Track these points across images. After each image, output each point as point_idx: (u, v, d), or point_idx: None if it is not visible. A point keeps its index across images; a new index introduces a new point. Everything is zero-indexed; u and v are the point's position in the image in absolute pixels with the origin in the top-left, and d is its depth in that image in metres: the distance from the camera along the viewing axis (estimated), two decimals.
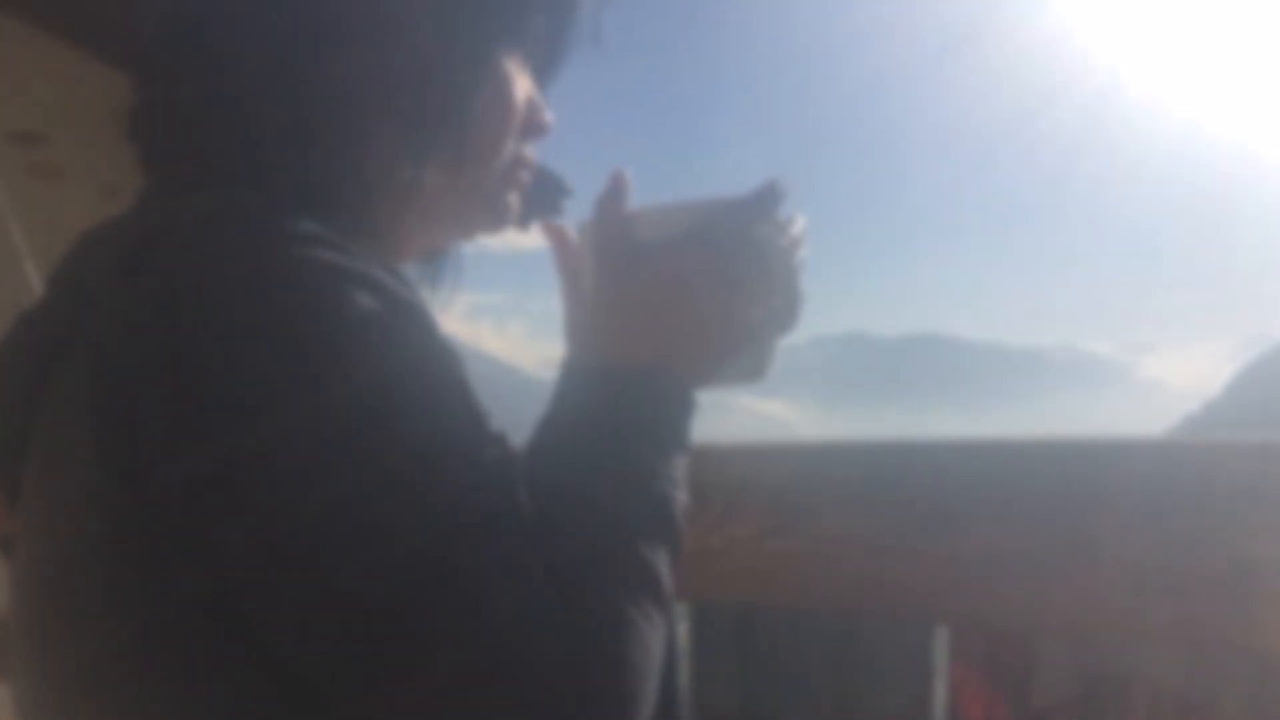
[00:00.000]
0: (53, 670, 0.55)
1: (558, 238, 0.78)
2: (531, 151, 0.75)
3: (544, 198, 0.78)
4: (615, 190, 0.71)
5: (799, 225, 0.72)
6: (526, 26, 0.71)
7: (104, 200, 1.35)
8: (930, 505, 0.91)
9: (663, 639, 0.56)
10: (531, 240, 0.80)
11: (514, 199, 0.75)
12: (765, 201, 0.70)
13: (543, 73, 0.76)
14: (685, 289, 0.67)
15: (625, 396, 0.63)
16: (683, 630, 1.04)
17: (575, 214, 0.79)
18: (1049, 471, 0.87)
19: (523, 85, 0.72)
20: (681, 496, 0.62)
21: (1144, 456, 0.84)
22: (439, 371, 0.54)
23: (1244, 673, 0.80)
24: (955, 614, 0.91)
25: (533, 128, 0.74)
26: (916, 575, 0.92)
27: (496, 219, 0.75)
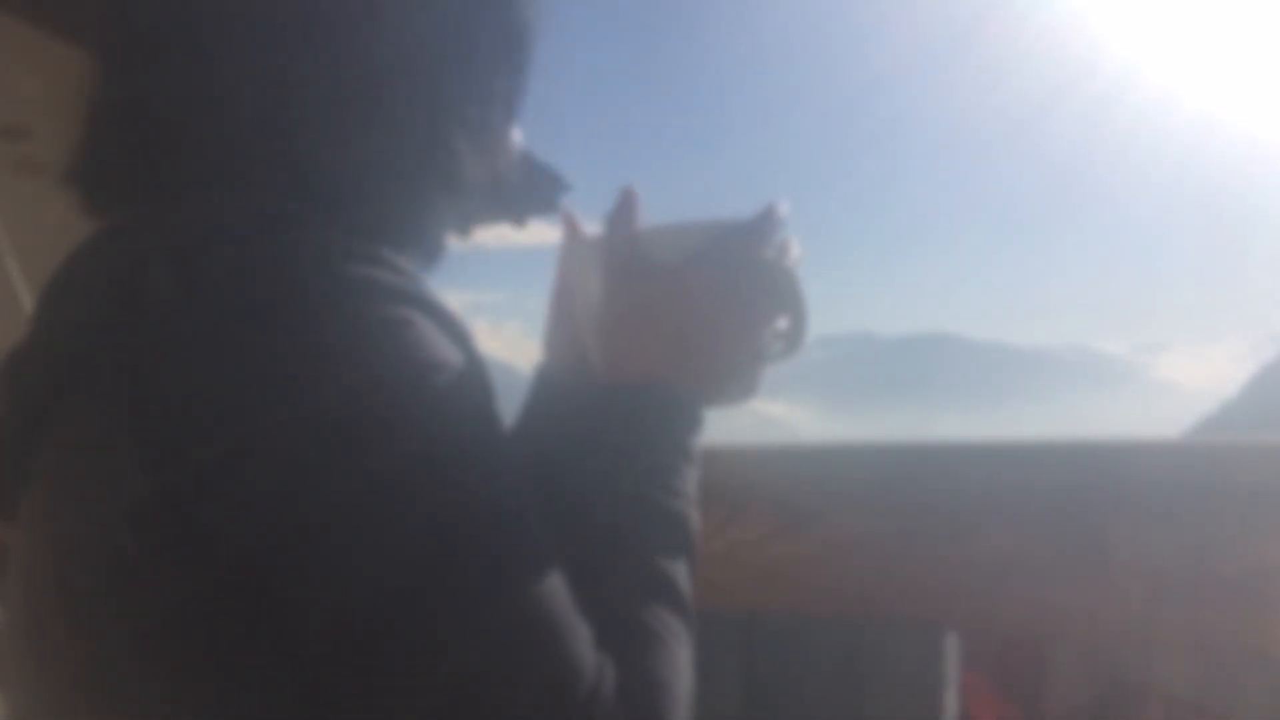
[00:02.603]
0: (55, 673, 0.55)
1: (571, 230, 0.78)
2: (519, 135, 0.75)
3: (542, 194, 0.79)
4: (625, 207, 0.72)
5: (796, 248, 0.74)
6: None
7: None
8: (939, 508, 0.92)
9: (690, 656, 0.57)
10: (528, 237, 0.81)
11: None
12: (767, 226, 0.72)
13: None
14: (699, 309, 0.69)
15: (638, 411, 0.65)
16: None
17: (574, 212, 0.79)
18: (1060, 474, 0.88)
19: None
20: (695, 514, 0.63)
21: (1157, 458, 0.85)
22: (473, 395, 0.55)
23: (1260, 679, 0.81)
24: (965, 619, 0.92)
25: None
26: (925, 580, 0.92)
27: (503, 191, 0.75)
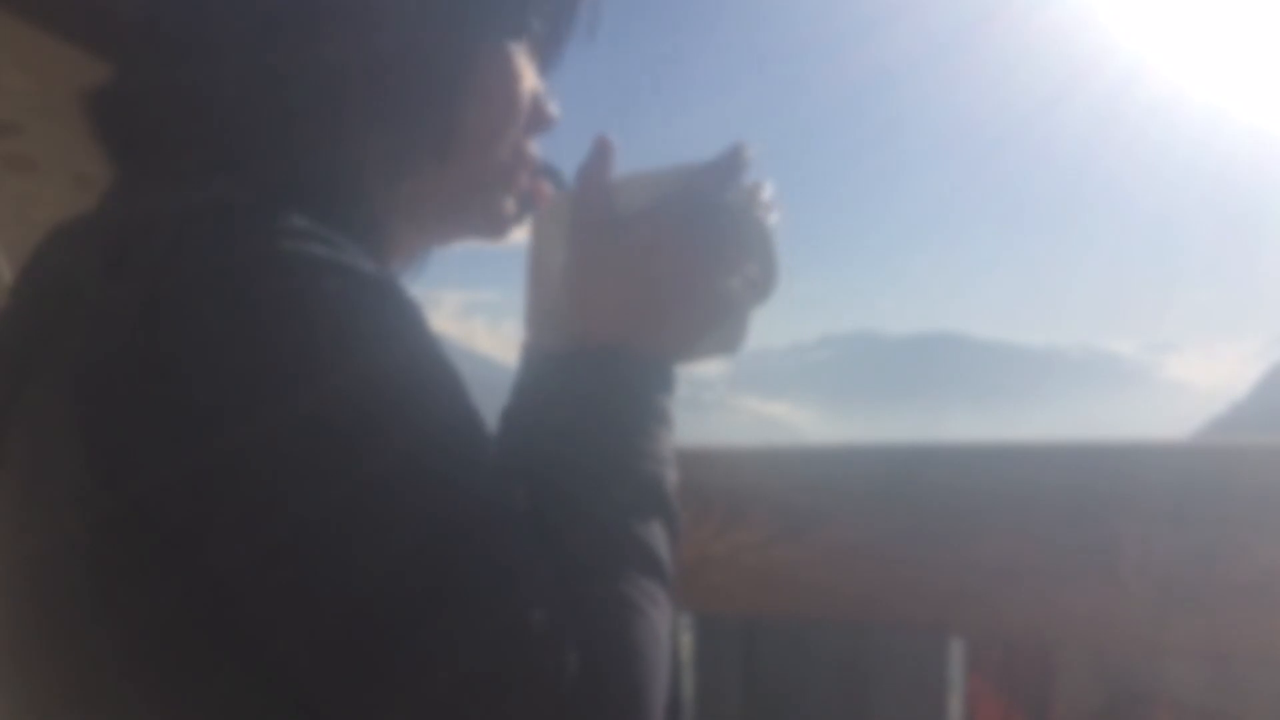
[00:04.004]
0: (34, 684, 0.55)
1: (544, 198, 0.77)
2: (535, 148, 0.74)
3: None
4: (600, 158, 0.71)
5: (768, 190, 0.72)
6: (530, 15, 0.70)
7: (79, 192, 1.35)
8: (943, 511, 0.91)
9: (669, 621, 0.57)
10: (526, 235, 0.80)
11: (509, 203, 0.74)
12: (731, 167, 0.70)
13: (545, 62, 0.75)
14: (661, 261, 0.67)
15: (603, 376, 0.64)
16: (686, 642, 1.04)
17: None
18: (1067, 476, 0.87)
19: (529, 77, 0.72)
20: (671, 474, 0.62)
21: (1167, 460, 0.84)
22: (433, 369, 0.54)
23: (1272, 686, 0.80)
24: (969, 625, 0.91)
25: (538, 121, 0.74)
26: (929, 584, 0.92)
27: (489, 223, 0.75)
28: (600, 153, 0.70)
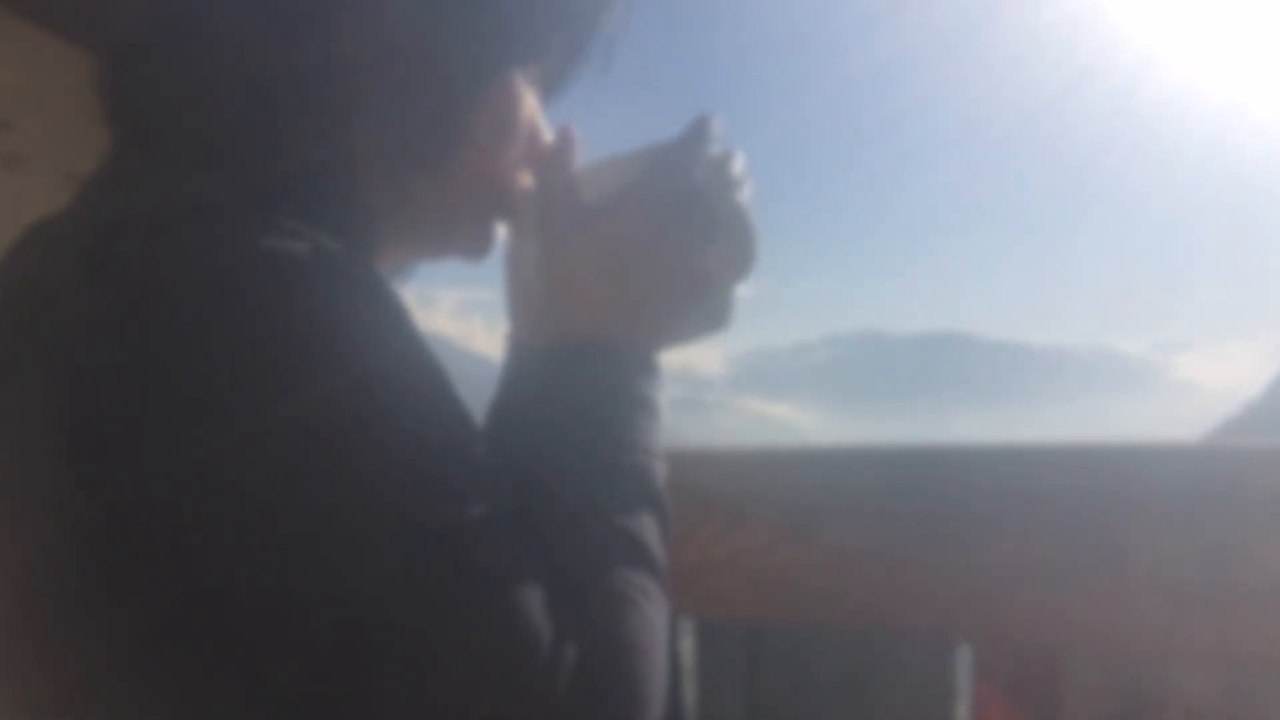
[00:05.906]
0: (24, 689, 0.55)
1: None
2: (526, 177, 0.74)
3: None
4: (563, 150, 0.71)
5: (738, 162, 0.72)
6: (543, 46, 0.71)
7: (69, 189, 1.35)
8: (949, 514, 0.91)
9: (664, 612, 0.57)
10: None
11: (496, 228, 0.75)
12: (695, 141, 0.70)
13: (548, 91, 0.76)
14: (632, 247, 0.67)
15: (583, 368, 0.64)
16: (688, 646, 1.04)
17: None
18: (1075, 478, 0.87)
19: (529, 105, 0.72)
20: (658, 464, 0.63)
21: (1177, 462, 0.84)
22: (421, 369, 0.54)
23: None
24: (976, 629, 0.91)
25: (532, 151, 0.74)
26: (934, 588, 0.92)
27: (474, 245, 0.75)
28: (564, 143, 0.71)
